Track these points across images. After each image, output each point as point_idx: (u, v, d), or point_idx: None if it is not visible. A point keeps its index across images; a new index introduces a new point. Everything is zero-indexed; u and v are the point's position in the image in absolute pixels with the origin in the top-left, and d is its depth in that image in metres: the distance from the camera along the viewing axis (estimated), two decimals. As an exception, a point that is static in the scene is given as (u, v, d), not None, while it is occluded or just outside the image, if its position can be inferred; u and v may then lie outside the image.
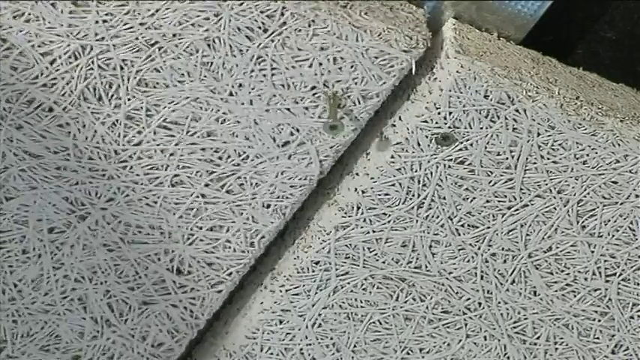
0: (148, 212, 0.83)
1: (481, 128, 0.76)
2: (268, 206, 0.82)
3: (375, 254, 0.83)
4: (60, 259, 0.85)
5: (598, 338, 0.86)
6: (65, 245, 0.85)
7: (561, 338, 0.86)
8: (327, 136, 0.78)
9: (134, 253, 0.85)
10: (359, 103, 0.76)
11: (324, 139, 0.78)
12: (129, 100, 0.77)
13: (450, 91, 0.74)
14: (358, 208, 0.81)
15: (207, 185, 0.81)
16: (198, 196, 0.82)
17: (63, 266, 0.86)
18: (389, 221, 0.81)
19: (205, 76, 0.76)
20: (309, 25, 0.73)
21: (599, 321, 0.85)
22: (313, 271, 0.85)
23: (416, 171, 0.79)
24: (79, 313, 0.88)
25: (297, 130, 0.78)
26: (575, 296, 0.84)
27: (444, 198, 0.80)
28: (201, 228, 0.84)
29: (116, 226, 0.83)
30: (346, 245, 0.83)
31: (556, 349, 0.87)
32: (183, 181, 0.81)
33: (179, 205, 0.82)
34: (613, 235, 0.81)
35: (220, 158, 0.80)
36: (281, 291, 0.86)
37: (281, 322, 0.88)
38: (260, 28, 0.73)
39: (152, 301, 0.88)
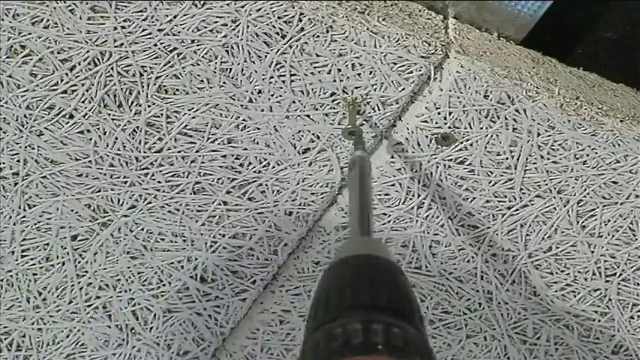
0: (171, 219, 0.83)
1: (481, 128, 0.76)
2: (290, 214, 0.82)
3: (375, 254, 0.83)
4: (83, 266, 0.85)
5: (598, 338, 0.86)
6: (88, 253, 0.85)
7: (561, 339, 0.86)
8: (347, 142, 0.78)
9: (157, 261, 0.85)
10: (378, 109, 0.76)
11: (345, 145, 0.78)
12: (149, 106, 0.77)
13: (450, 91, 0.74)
14: (358, 208, 0.81)
15: (228, 192, 0.81)
16: (220, 204, 0.81)
17: (87, 274, 0.86)
18: (389, 221, 0.81)
19: (225, 83, 0.75)
20: (327, 31, 0.72)
21: (599, 321, 0.85)
22: (313, 272, 0.85)
23: (416, 171, 0.79)
24: (103, 321, 0.88)
25: (318, 137, 0.78)
26: (575, 296, 0.84)
27: (444, 198, 0.80)
28: (223, 236, 0.83)
29: (139, 234, 0.83)
30: (346, 245, 0.83)
31: (556, 349, 0.87)
32: (205, 189, 0.81)
33: (201, 213, 0.82)
34: (613, 235, 0.81)
35: (241, 165, 0.79)
36: (281, 291, 0.86)
37: (281, 323, 0.88)
38: (278, 34, 0.73)
39: (176, 309, 0.87)
